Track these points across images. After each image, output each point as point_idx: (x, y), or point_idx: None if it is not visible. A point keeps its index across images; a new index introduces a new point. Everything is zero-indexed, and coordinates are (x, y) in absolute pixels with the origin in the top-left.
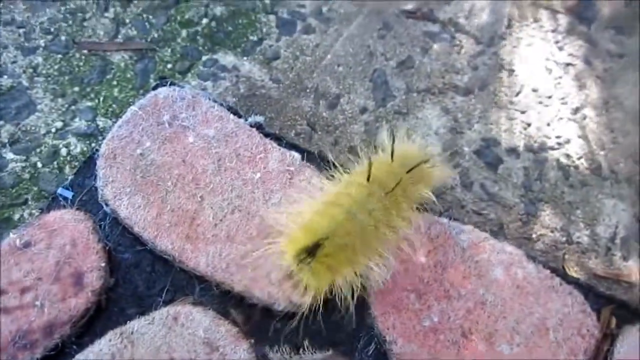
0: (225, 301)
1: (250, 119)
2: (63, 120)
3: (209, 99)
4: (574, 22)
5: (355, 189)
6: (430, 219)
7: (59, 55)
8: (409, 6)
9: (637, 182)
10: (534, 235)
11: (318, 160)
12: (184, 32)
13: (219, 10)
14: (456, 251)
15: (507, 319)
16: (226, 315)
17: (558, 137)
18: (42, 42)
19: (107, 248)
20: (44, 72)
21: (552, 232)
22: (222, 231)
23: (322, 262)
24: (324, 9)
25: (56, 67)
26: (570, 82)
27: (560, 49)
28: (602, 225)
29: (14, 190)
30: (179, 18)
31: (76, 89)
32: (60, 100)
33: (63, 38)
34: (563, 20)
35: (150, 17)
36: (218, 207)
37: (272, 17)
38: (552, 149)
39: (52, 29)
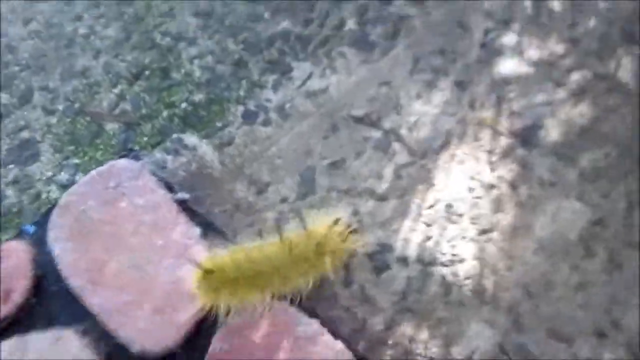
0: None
1: (178, 195)
2: (53, 172)
3: (151, 173)
4: (515, 145)
5: (267, 246)
6: (280, 306)
7: (69, 119)
8: (360, 112)
9: (516, 313)
10: (390, 341)
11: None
12: (165, 112)
13: (199, 97)
14: (289, 340)
15: None
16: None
17: (454, 255)
18: (60, 107)
19: (39, 276)
20: (54, 130)
21: (409, 342)
22: (118, 282)
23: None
24: (287, 106)
25: (64, 128)
26: (488, 204)
27: (492, 170)
28: (460, 346)
29: (3, 220)
30: (166, 99)
31: (71, 147)
32: (57, 155)
33: (76, 105)
34: (504, 142)
35: (146, 96)
36: (123, 262)
37: (240, 107)
38: (443, 265)
39: (71, 97)
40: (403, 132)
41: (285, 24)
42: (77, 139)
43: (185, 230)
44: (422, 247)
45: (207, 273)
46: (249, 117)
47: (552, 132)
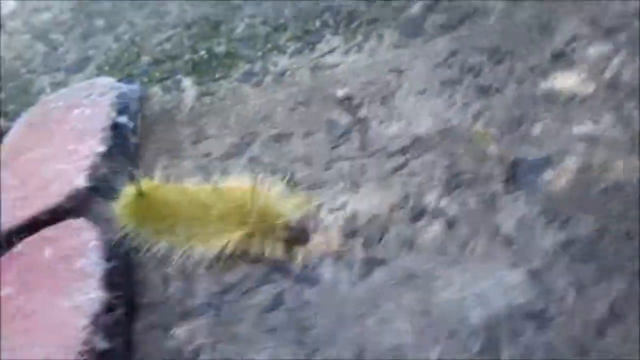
0: None
1: (119, 118)
2: None
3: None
4: (496, 181)
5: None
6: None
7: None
8: (343, 93)
9: None
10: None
11: None
12: (187, 56)
13: (220, 49)
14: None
15: None
16: None
17: None
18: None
19: None
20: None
21: None
22: None
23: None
24: (287, 73)
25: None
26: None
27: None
28: None
29: None
30: (195, 46)
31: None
32: None
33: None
34: (484, 170)
35: (186, 40)
36: None
37: (247, 66)
38: None
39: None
40: (372, 125)
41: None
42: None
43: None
44: None
45: (139, 195)
46: (245, 76)
47: (558, 180)
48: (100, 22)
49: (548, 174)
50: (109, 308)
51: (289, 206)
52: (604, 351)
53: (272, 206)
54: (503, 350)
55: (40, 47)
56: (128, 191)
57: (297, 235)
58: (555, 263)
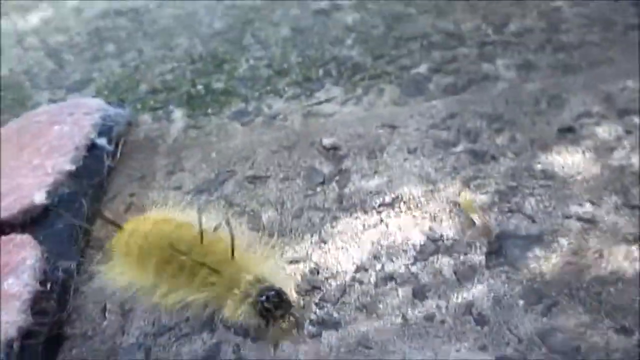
0: None
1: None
2: None
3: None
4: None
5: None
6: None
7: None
8: (330, 142)
9: None
10: None
11: None
12: (184, 88)
13: (218, 85)
14: None
15: None
16: None
17: None
18: None
19: None
20: None
21: None
22: None
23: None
24: (278, 117)
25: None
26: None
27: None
28: None
29: None
30: (195, 81)
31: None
32: None
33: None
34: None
35: (195, 78)
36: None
37: (242, 104)
38: None
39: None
40: (354, 178)
41: (355, 51)
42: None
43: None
44: None
45: (117, 228)
46: (236, 115)
47: (547, 260)
48: (111, 48)
49: (537, 252)
50: (27, 334)
51: (266, 268)
52: None
53: (250, 266)
54: None
55: (50, 65)
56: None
57: (274, 306)
58: (531, 353)
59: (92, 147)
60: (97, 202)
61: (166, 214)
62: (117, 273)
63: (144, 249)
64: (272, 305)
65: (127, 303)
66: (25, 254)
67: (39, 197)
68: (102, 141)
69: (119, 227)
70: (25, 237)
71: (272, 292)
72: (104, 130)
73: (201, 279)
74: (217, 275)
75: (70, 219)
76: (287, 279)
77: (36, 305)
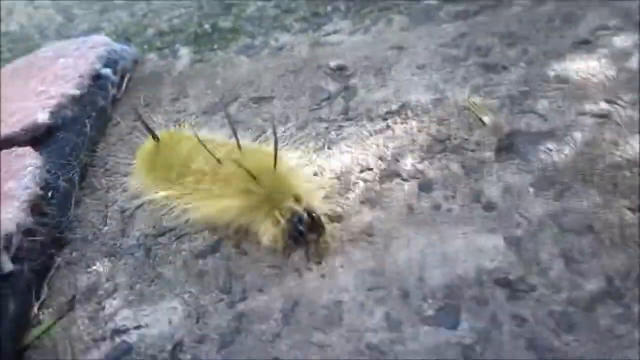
0: None
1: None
2: None
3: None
4: (487, 151)
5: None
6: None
7: None
8: (338, 63)
9: None
10: None
11: None
12: (192, 28)
13: (226, 23)
14: None
15: None
16: None
17: None
18: None
19: None
20: None
21: None
22: None
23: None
24: (286, 47)
25: None
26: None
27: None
28: None
29: None
30: (201, 20)
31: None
32: None
33: None
34: (475, 138)
35: (202, 20)
36: None
37: (249, 40)
38: None
39: None
40: (360, 92)
41: None
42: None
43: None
44: None
45: (153, 139)
46: (243, 49)
47: (560, 152)
48: (120, 1)
49: (549, 146)
50: (27, 232)
51: (305, 185)
52: (592, 330)
53: (289, 183)
54: (462, 317)
55: (59, 19)
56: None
57: (307, 230)
58: (542, 232)
59: (97, 77)
60: (102, 127)
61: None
62: (148, 182)
63: (180, 158)
64: (305, 229)
65: (128, 210)
66: (26, 162)
67: (42, 117)
68: (107, 71)
69: (155, 136)
70: (27, 149)
71: (309, 216)
72: (110, 62)
73: (238, 185)
74: (255, 183)
75: (73, 138)
76: (321, 196)
77: (36, 207)
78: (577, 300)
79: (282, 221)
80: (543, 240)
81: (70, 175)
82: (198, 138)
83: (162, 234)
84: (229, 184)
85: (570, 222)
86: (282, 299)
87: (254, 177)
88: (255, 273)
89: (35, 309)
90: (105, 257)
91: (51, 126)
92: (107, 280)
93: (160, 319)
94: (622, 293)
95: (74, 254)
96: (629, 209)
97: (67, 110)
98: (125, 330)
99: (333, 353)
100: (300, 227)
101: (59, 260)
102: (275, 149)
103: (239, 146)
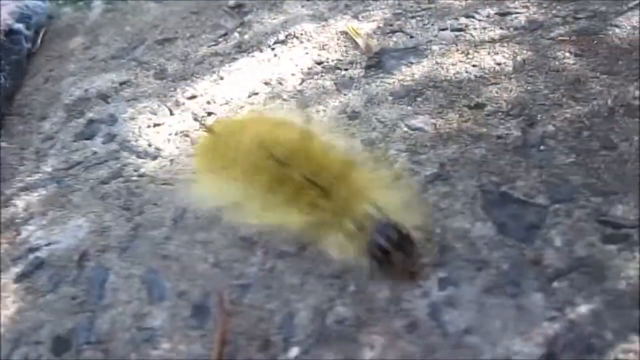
0: None
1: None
2: None
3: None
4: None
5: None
6: None
7: None
8: (235, 1)
9: None
10: None
11: None
12: None
13: None
14: None
15: None
16: None
17: None
18: None
19: None
20: None
21: None
22: None
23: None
24: None
25: None
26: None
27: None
28: None
29: None
30: None
31: None
32: None
33: None
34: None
35: None
36: None
37: None
38: None
39: None
40: (254, 27)
41: None
42: None
43: None
44: None
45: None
46: None
47: (418, 65)
48: None
49: (411, 60)
50: None
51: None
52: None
53: (369, 190)
54: None
55: None
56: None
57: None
58: (393, 133)
59: (9, 32)
60: (18, 79)
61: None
62: (202, 186)
63: (236, 157)
64: (390, 246)
65: (42, 151)
66: None
67: None
68: (19, 26)
69: (208, 129)
70: None
71: (393, 230)
72: (22, 18)
73: (306, 199)
74: (326, 198)
75: None
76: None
77: None
78: (414, 184)
79: (357, 234)
80: (393, 139)
81: None
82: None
83: (72, 167)
84: (295, 194)
85: (416, 122)
86: (173, 209)
87: (323, 189)
88: (150, 189)
89: None
90: (22, 191)
91: None
92: (24, 210)
93: (68, 235)
94: (451, 175)
95: None
96: (468, 106)
97: None
98: (37, 248)
99: (214, 247)
100: (385, 245)
101: None
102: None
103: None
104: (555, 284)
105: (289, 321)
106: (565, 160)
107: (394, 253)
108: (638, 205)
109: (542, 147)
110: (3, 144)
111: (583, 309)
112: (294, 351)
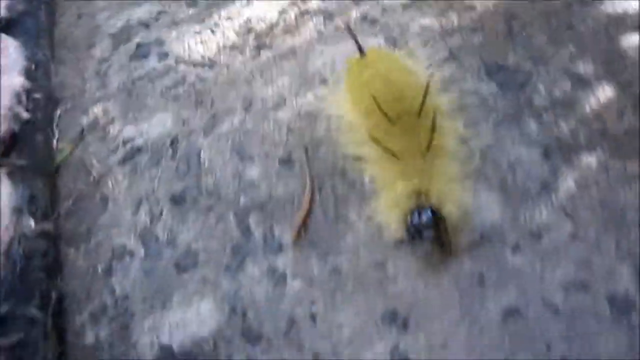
0: None
1: None
2: None
3: None
4: None
5: None
6: None
7: None
8: None
9: None
10: None
11: None
12: None
13: None
14: None
15: None
16: None
17: None
18: None
19: None
20: None
21: None
22: None
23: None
24: None
25: None
26: None
27: None
28: None
29: None
30: None
31: None
32: None
33: None
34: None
35: None
36: None
37: None
38: None
39: None
40: None
41: None
42: None
43: None
44: None
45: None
46: None
47: None
48: None
49: None
50: (28, 92)
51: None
52: None
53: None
54: None
55: None
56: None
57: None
58: (408, 31)
59: None
60: (52, 16)
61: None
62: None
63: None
64: (422, 225)
65: (100, 69)
66: (7, 44)
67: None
68: None
69: (361, 50)
70: (4, 36)
71: (427, 214)
72: None
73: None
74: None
75: (32, 25)
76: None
77: (28, 75)
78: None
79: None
80: (409, 36)
81: (44, 51)
82: None
83: (137, 80)
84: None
85: (425, 22)
86: (240, 101)
87: (398, 159)
88: (217, 89)
89: (55, 141)
90: (95, 103)
91: (8, 19)
92: (104, 115)
93: (155, 127)
94: (458, 56)
95: (69, 105)
96: (463, 8)
97: (18, 5)
98: (132, 139)
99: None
100: (419, 223)
101: (58, 112)
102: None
103: (421, 110)
104: (543, 115)
105: None
106: (541, 39)
107: (427, 232)
108: (593, 63)
109: (523, 33)
110: (60, 69)
111: (564, 126)
112: None
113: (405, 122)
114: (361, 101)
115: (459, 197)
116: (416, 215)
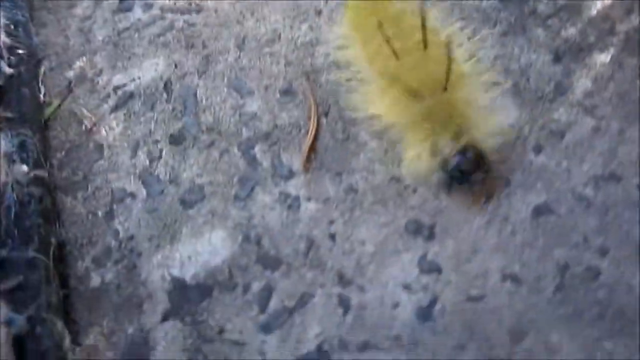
0: None
1: None
2: None
3: None
4: None
5: None
6: None
7: None
8: None
9: None
10: None
11: None
12: None
13: None
14: None
15: None
16: None
17: None
18: None
19: None
20: None
21: None
22: None
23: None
24: None
25: None
26: None
27: None
28: None
29: None
30: None
31: None
32: None
33: None
34: None
35: None
36: None
37: None
38: None
39: None
40: None
41: None
42: None
43: None
44: None
45: None
46: None
47: None
48: None
49: None
50: (10, 48)
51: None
52: None
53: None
54: None
55: None
56: None
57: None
58: None
59: None
60: None
61: None
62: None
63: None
64: (467, 168)
65: (84, 28)
66: None
67: None
68: None
69: None
70: None
71: (471, 155)
72: None
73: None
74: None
75: None
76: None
77: (9, 33)
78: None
79: (442, 155)
80: None
81: (23, 12)
82: None
83: (122, 32)
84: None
85: None
86: (233, 39)
87: (417, 94)
88: (207, 31)
89: (42, 96)
90: (80, 57)
91: None
92: (91, 68)
93: (147, 71)
94: None
95: (53, 62)
96: None
97: None
98: (123, 85)
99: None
100: (464, 167)
101: (42, 68)
102: (449, 68)
103: (425, 43)
104: (549, 22)
105: None
106: None
107: (475, 175)
108: None
109: None
110: (41, 30)
111: (572, 29)
112: None
113: (413, 56)
114: (365, 36)
115: (493, 124)
116: (460, 158)
